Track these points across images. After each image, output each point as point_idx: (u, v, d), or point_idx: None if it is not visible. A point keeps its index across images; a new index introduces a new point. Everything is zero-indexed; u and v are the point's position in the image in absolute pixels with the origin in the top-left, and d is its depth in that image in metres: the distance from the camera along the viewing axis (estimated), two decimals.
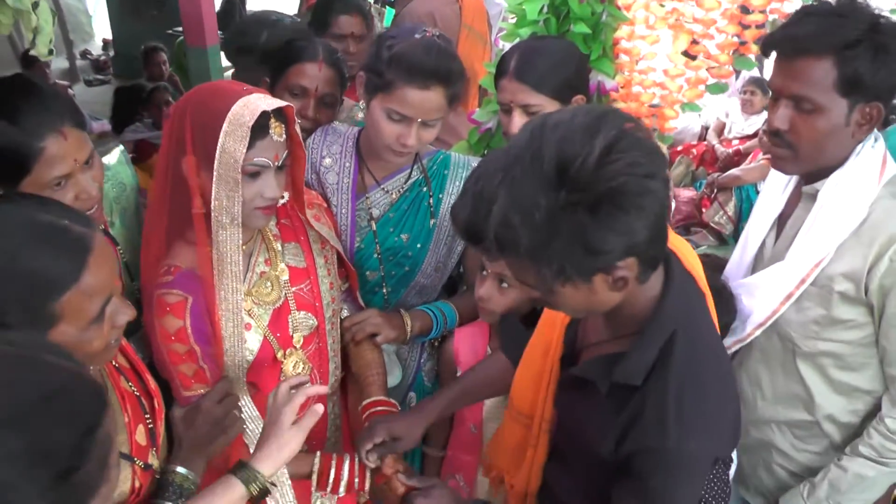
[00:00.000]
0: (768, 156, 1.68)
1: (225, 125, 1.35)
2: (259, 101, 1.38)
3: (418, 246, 1.90)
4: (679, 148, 5.67)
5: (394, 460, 1.59)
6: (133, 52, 6.62)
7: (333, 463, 1.58)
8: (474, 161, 1.99)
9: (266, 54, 2.31)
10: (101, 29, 9.32)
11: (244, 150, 1.36)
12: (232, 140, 1.35)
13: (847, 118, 1.49)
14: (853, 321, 1.58)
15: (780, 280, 1.63)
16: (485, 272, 1.69)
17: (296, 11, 7.77)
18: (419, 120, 1.70)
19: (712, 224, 4.91)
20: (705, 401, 1.17)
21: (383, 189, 1.89)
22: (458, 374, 1.91)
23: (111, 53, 8.96)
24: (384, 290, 1.94)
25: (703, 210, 4.98)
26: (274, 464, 1.33)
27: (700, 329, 1.24)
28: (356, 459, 1.60)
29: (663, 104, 2.33)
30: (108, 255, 1.15)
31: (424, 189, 1.90)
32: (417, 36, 1.70)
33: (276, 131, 1.41)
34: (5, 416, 0.72)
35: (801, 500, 1.71)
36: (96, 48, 9.53)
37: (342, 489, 1.57)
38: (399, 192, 1.89)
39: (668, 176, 1.08)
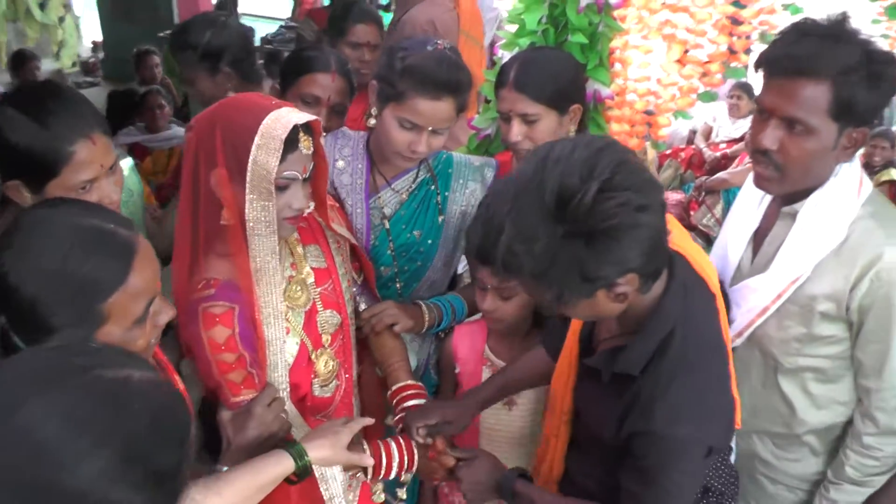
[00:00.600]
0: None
1: (257, 138, 1.39)
2: (290, 115, 1.42)
3: (429, 242, 1.99)
4: (667, 152, 5.76)
5: (443, 438, 1.66)
6: (123, 54, 6.58)
7: (382, 448, 1.64)
8: (476, 160, 2.08)
9: (207, 54, 2.40)
10: (91, 31, 9.28)
11: (277, 163, 1.40)
12: (264, 153, 1.39)
13: (836, 142, 1.50)
14: (833, 337, 1.62)
15: (757, 293, 1.66)
16: (486, 287, 1.79)
17: (289, 15, 7.82)
18: (429, 128, 1.78)
19: (700, 227, 5.00)
20: (697, 391, 1.27)
21: (393, 189, 1.96)
22: (457, 370, 1.98)
23: (100, 56, 8.92)
24: (397, 285, 2.01)
25: (692, 213, 5.07)
26: (322, 448, 1.42)
27: (699, 327, 1.33)
28: (400, 441, 1.67)
29: (656, 112, 2.41)
30: (151, 257, 1.20)
31: (432, 187, 2.00)
32: (430, 48, 1.79)
33: (305, 144, 1.46)
34: (125, 452, 0.74)
35: None
36: (85, 50, 9.49)
37: (394, 471, 1.63)
38: (408, 191, 1.98)
39: (663, 201, 1.19)
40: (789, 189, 1.60)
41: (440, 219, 1.99)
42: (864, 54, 1.46)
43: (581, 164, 1.09)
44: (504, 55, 2.27)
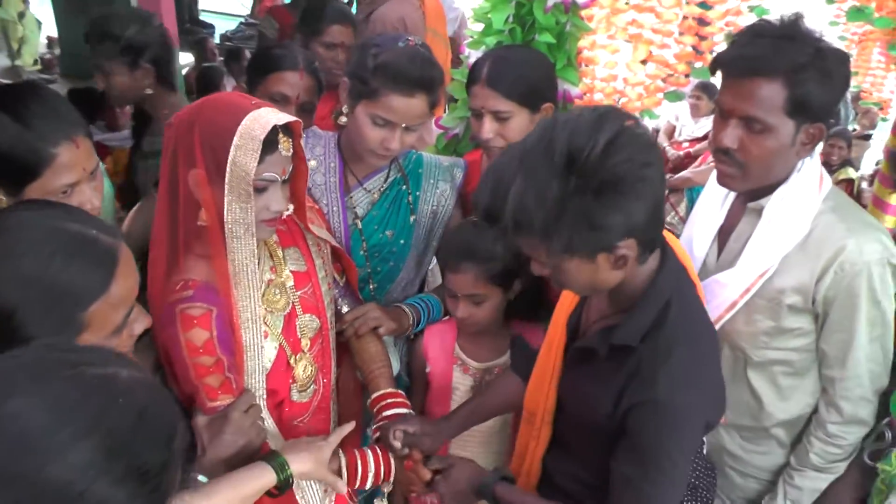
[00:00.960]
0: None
1: (236, 139, 1.36)
2: (269, 116, 1.40)
3: (402, 242, 1.98)
4: None
5: (418, 449, 1.64)
6: (80, 49, 6.40)
7: (358, 456, 1.62)
8: (445, 160, 2.08)
9: (129, 47, 2.38)
10: (45, 27, 9.03)
11: (255, 164, 1.37)
12: (243, 154, 1.36)
13: (793, 138, 1.55)
14: (800, 329, 1.66)
15: (726, 289, 1.69)
16: (457, 296, 1.82)
17: (249, 12, 7.71)
18: (402, 125, 1.77)
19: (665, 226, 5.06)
20: (695, 360, 1.30)
21: (365, 189, 1.95)
22: (427, 370, 1.98)
23: (56, 52, 8.70)
24: (371, 286, 2.00)
25: None
26: (303, 462, 1.42)
27: (691, 303, 1.38)
28: (377, 450, 1.65)
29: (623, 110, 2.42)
30: (132, 265, 1.17)
31: (403, 187, 1.98)
32: (401, 45, 1.77)
33: (284, 146, 1.43)
34: (109, 445, 0.74)
35: None
36: (41, 46, 9.24)
37: (370, 481, 1.61)
38: (380, 191, 1.96)
39: (662, 163, 1.23)
40: (752, 186, 1.64)
41: (412, 219, 1.98)
42: (815, 52, 1.50)
43: (588, 125, 1.15)
44: (471, 54, 2.26)
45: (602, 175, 1.13)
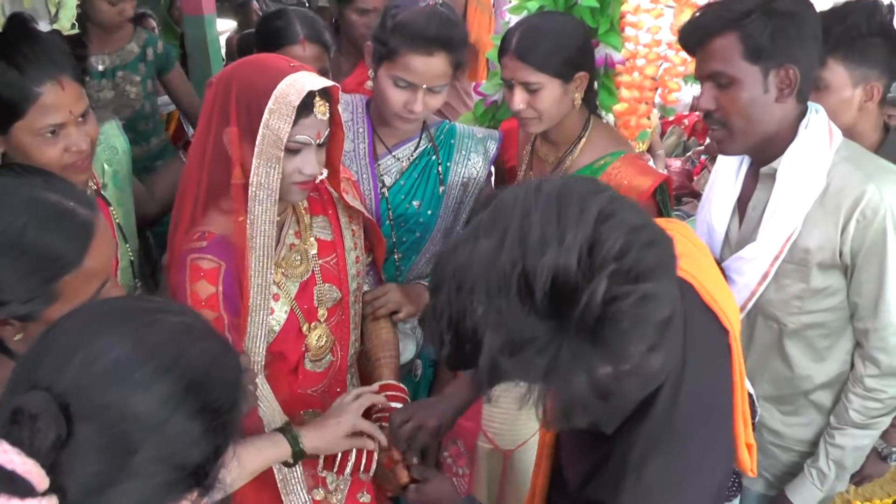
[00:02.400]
0: None
1: (270, 103, 1.36)
2: (305, 80, 1.39)
3: (429, 212, 1.96)
4: (671, 119, 5.72)
5: (399, 451, 1.57)
6: None
7: None
8: (479, 132, 2.05)
9: None
10: None
11: (289, 129, 1.37)
12: (277, 118, 1.36)
13: (764, 84, 1.56)
14: (830, 287, 1.64)
15: (754, 262, 1.67)
16: None
17: None
18: (424, 86, 1.75)
19: (702, 192, 4.98)
20: (678, 472, 1.04)
21: (394, 157, 1.93)
22: None
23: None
24: (395, 256, 1.98)
25: (695, 178, 5.05)
26: (318, 438, 1.46)
27: (696, 382, 1.07)
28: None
29: (667, 76, 2.37)
30: (108, 239, 1.18)
31: (433, 157, 1.96)
32: (421, 4, 1.75)
33: (320, 110, 1.42)
34: (187, 382, 0.79)
35: (814, 489, 1.74)
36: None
37: (348, 470, 1.59)
38: (409, 159, 1.94)
39: (675, 261, 0.95)
40: (744, 144, 1.64)
41: (441, 189, 1.96)
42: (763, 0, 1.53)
43: (576, 245, 0.83)
44: (511, 19, 2.21)
45: (602, 323, 0.84)
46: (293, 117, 1.37)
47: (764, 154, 1.66)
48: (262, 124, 1.37)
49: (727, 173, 1.81)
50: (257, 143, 1.38)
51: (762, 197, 1.69)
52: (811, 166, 1.60)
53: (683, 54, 2.33)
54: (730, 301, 1.22)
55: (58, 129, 1.47)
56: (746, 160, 1.77)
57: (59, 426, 0.72)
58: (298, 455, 1.44)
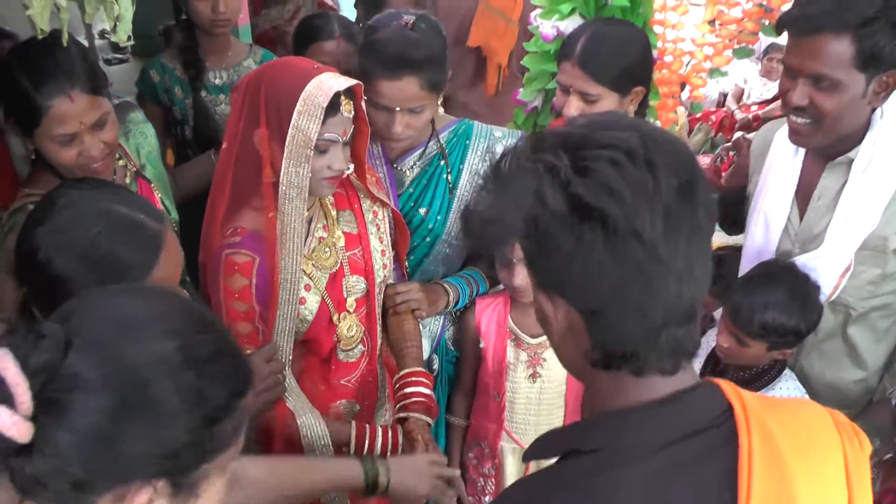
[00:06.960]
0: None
1: (299, 105, 1.42)
2: (332, 82, 1.45)
3: (438, 218, 1.93)
4: (698, 115, 5.70)
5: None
6: (150, 31, 6.64)
7: (367, 430, 1.65)
8: (497, 131, 1.97)
9: None
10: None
11: (318, 129, 1.43)
12: (305, 119, 1.43)
13: (865, 90, 1.52)
14: None
15: (832, 261, 1.66)
16: (512, 262, 1.76)
17: None
18: (397, 109, 1.72)
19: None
20: None
21: (398, 169, 1.93)
22: (481, 345, 1.95)
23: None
24: (408, 259, 1.97)
25: (723, 174, 5.04)
26: (396, 477, 1.43)
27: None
28: (388, 431, 1.67)
29: (692, 71, 2.41)
30: (176, 250, 1.24)
31: (443, 163, 1.92)
32: (393, 24, 1.72)
33: (346, 108, 1.49)
34: (184, 356, 0.80)
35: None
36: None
37: (377, 453, 1.63)
38: (417, 168, 1.93)
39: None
40: (824, 141, 1.61)
41: (451, 195, 1.93)
42: (885, 3, 1.46)
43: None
44: (541, 24, 2.21)
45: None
46: (321, 118, 1.43)
47: (837, 146, 1.63)
48: (291, 125, 1.43)
49: (783, 163, 1.77)
50: (287, 142, 1.44)
51: (829, 185, 1.67)
52: (889, 157, 1.59)
53: (707, 50, 2.38)
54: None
55: (71, 139, 1.55)
56: (802, 149, 1.73)
57: (55, 352, 0.75)
58: (372, 487, 1.43)
